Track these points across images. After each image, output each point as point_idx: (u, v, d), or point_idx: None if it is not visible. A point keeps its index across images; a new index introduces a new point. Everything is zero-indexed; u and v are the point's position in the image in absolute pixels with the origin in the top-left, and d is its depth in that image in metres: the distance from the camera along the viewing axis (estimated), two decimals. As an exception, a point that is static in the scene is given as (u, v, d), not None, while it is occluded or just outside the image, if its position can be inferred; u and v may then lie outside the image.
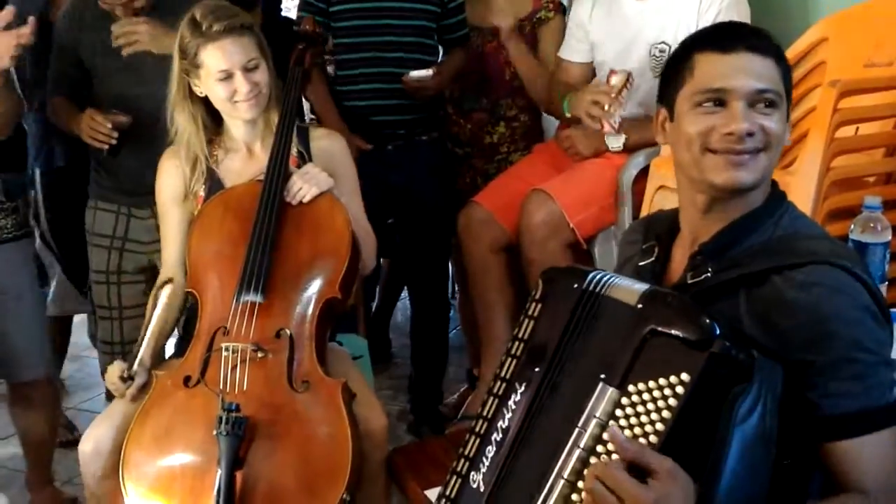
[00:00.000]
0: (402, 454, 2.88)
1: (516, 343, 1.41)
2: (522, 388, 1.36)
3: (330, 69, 2.97)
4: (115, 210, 2.64)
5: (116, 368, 2.02)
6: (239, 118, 2.17)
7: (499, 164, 3.10)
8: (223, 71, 2.08)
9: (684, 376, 1.14)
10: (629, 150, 2.63)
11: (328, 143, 2.28)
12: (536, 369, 1.35)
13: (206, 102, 2.17)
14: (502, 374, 1.41)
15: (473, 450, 1.40)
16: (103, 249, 2.65)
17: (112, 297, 2.66)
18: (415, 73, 2.82)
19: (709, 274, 1.33)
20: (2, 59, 2.20)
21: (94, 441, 2.02)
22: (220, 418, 1.80)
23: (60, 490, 2.83)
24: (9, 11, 2.20)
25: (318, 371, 1.97)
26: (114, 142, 2.44)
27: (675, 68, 1.40)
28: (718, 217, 1.38)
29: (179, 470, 1.89)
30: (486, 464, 1.37)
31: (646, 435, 1.16)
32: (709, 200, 1.38)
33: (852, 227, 1.90)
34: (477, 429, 1.41)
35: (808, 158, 2.10)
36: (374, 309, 3.80)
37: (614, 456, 1.16)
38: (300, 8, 2.93)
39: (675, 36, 2.57)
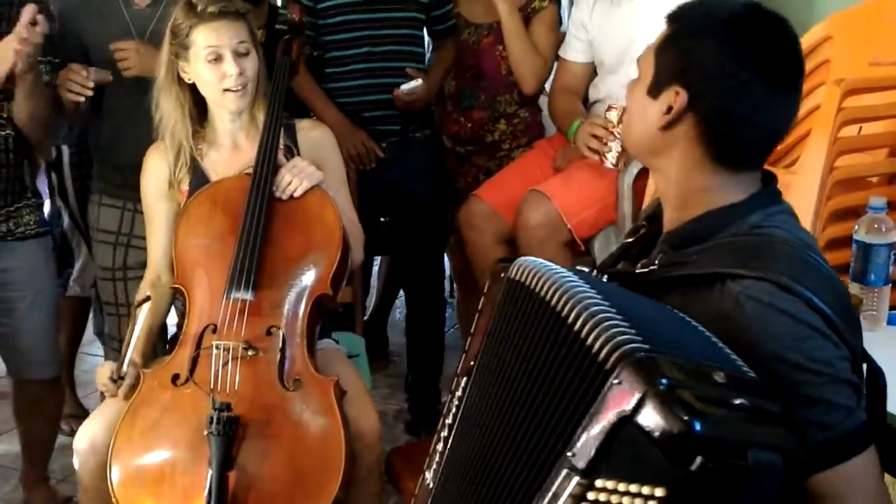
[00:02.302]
0: (399, 454, 2.88)
1: (468, 339, 1.39)
2: (463, 382, 1.34)
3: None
4: (119, 206, 2.61)
5: (106, 369, 2.00)
6: (226, 108, 2.15)
7: (501, 161, 3.08)
8: (213, 48, 2.07)
9: (658, 492, 0.97)
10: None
11: (316, 134, 2.27)
12: (472, 362, 1.33)
13: (193, 92, 2.15)
14: (457, 369, 1.38)
15: (433, 446, 1.39)
16: (108, 246, 2.63)
17: (119, 293, 2.63)
18: (405, 87, 2.80)
19: (655, 267, 1.28)
20: (4, 61, 2.20)
21: (88, 438, 2.00)
22: (212, 418, 1.78)
23: (56, 488, 2.81)
24: (31, 9, 2.20)
25: (310, 369, 1.95)
26: (89, 93, 2.36)
27: None
28: (668, 203, 1.33)
29: (169, 470, 1.87)
30: (436, 459, 1.36)
31: None
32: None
33: (856, 227, 1.89)
34: (440, 424, 1.39)
35: (812, 158, 2.08)
36: (371, 307, 3.78)
37: None
38: (286, 4, 2.91)
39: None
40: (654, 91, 1.29)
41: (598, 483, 1.02)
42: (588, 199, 2.65)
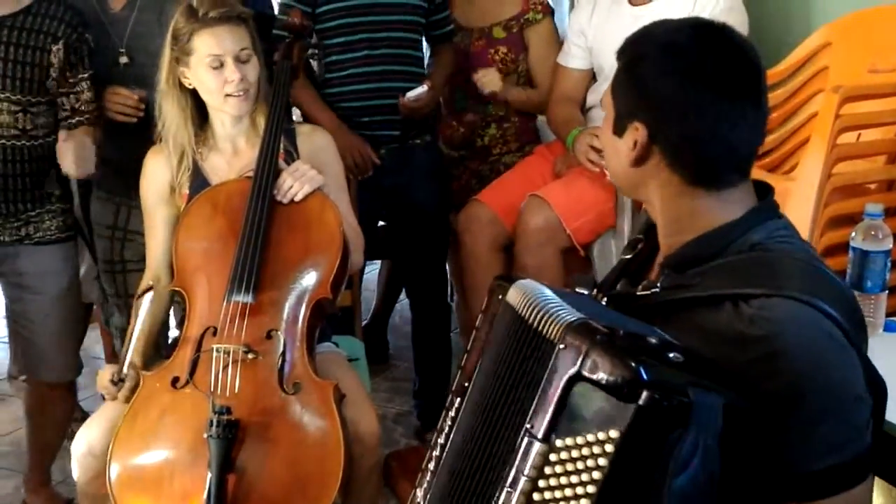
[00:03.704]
0: (398, 458, 2.89)
1: (465, 355, 1.36)
2: (457, 402, 1.33)
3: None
4: (116, 201, 2.64)
5: (107, 372, 2.00)
6: (227, 114, 2.15)
7: (492, 166, 3.09)
8: (215, 56, 2.07)
9: (612, 433, 1.04)
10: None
11: (316, 138, 2.27)
12: (466, 384, 1.31)
13: (194, 96, 2.16)
14: (453, 386, 1.36)
15: (425, 463, 1.37)
16: (105, 239, 2.66)
17: (118, 285, 2.67)
18: (411, 93, 2.79)
19: (657, 290, 1.25)
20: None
21: (86, 442, 2.00)
22: (211, 421, 1.78)
23: (57, 491, 2.82)
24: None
25: (310, 372, 1.95)
26: (142, 114, 2.44)
27: None
28: (661, 230, 1.31)
29: (168, 472, 1.87)
30: (427, 479, 1.34)
31: (577, 497, 1.06)
32: None
33: (853, 234, 1.89)
34: (433, 440, 1.37)
35: (809, 164, 2.09)
36: (371, 311, 3.79)
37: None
38: (283, 6, 2.89)
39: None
40: (618, 129, 1.27)
41: (558, 443, 1.08)
42: (587, 204, 2.66)
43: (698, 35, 1.23)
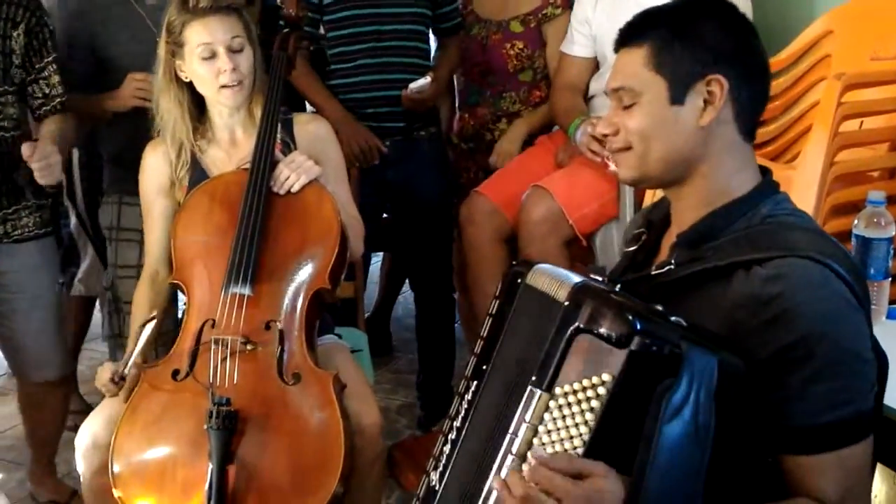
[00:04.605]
0: (401, 449, 2.89)
1: (479, 341, 1.39)
2: (474, 386, 1.36)
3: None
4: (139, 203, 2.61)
5: (107, 370, 1.99)
6: (223, 105, 2.15)
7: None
8: (205, 45, 2.06)
9: (605, 376, 1.12)
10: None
11: (313, 127, 2.26)
12: (484, 367, 1.35)
13: (191, 89, 2.15)
14: (467, 371, 1.39)
15: (438, 448, 1.39)
16: (133, 244, 2.61)
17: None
18: (414, 85, 2.79)
19: (672, 266, 1.29)
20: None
21: (90, 435, 2.00)
22: (211, 412, 1.78)
23: (62, 482, 2.83)
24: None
25: (309, 363, 1.94)
26: None
27: None
28: (691, 205, 1.34)
29: (170, 464, 1.87)
30: (442, 462, 1.37)
31: (571, 438, 1.13)
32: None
33: (856, 222, 1.89)
34: (444, 427, 1.40)
35: (812, 152, 2.08)
36: (374, 303, 3.79)
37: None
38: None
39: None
40: (679, 95, 1.29)
41: (558, 391, 1.16)
42: (589, 194, 2.65)
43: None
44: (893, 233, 1.88)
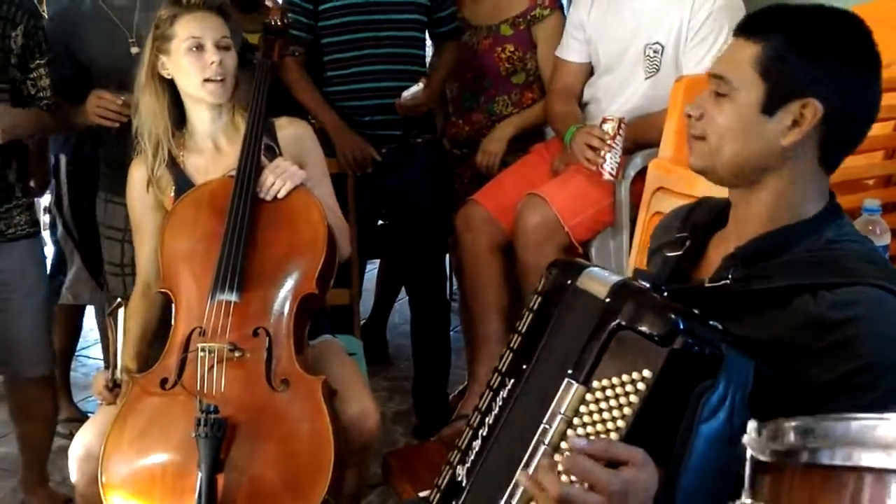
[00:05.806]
0: (397, 456, 2.88)
1: (515, 336, 1.38)
2: (510, 383, 1.34)
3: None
4: (125, 204, 2.61)
5: (101, 378, 2.01)
6: (205, 101, 2.15)
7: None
8: (195, 38, 2.09)
9: (646, 373, 1.13)
10: (626, 152, 2.60)
11: (293, 131, 2.26)
12: (524, 366, 1.33)
13: (172, 91, 2.16)
14: (499, 366, 1.38)
15: (465, 442, 1.38)
16: (115, 242, 2.65)
17: (128, 288, 2.62)
18: (407, 92, 2.79)
19: (728, 281, 1.27)
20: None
21: (83, 445, 2.00)
22: (199, 420, 1.78)
23: (54, 490, 2.82)
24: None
25: (297, 369, 1.94)
26: (125, 119, 2.38)
27: None
28: (755, 216, 1.30)
29: (159, 473, 1.87)
30: (471, 457, 1.35)
31: (607, 432, 1.14)
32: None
33: (850, 229, 1.87)
34: (471, 421, 1.39)
35: (807, 160, 2.07)
36: (370, 310, 3.78)
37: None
38: (284, 8, 2.89)
39: (668, 36, 2.59)
40: (771, 108, 1.25)
41: (595, 384, 1.17)
42: (585, 202, 2.65)
43: (851, 16, 1.29)
44: (889, 241, 1.87)
